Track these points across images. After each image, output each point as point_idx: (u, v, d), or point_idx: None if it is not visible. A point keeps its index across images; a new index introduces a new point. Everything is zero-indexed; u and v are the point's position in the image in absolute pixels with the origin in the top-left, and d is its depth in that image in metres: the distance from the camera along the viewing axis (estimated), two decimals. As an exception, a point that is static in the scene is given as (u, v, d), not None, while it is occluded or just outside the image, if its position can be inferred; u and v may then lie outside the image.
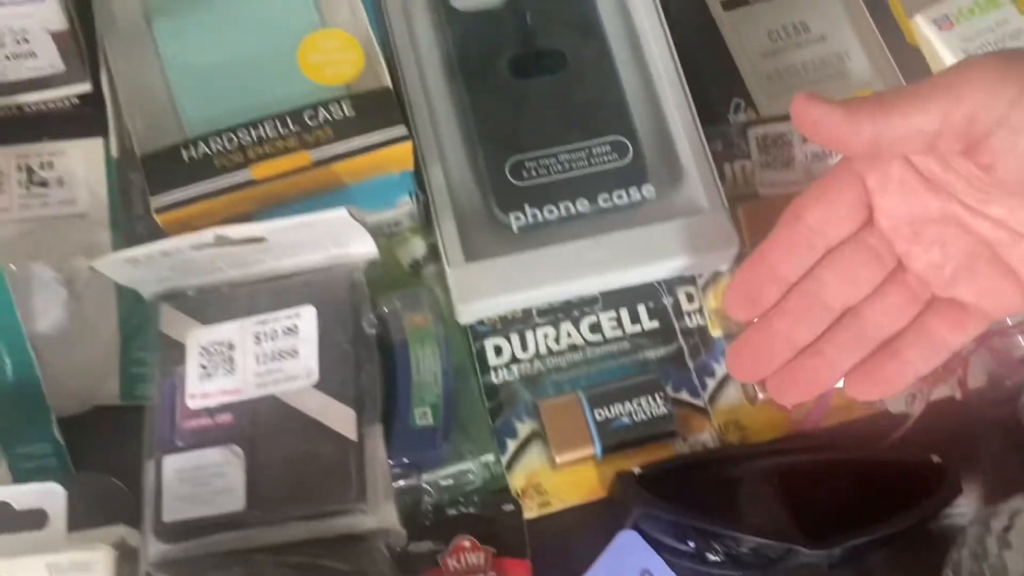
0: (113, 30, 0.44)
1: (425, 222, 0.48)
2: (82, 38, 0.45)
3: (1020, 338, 0.47)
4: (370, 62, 0.45)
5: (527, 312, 0.47)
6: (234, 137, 0.42)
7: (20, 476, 0.42)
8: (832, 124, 0.36)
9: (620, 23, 0.50)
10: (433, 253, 0.47)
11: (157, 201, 0.41)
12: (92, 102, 0.47)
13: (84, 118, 0.47)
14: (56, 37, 0.42)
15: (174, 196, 0.41)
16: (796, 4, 0.54)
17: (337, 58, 0.44)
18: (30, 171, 0.47)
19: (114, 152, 0.45)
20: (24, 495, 0.40)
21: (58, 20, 0.41)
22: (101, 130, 0.47)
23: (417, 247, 0.48)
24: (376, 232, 0.46)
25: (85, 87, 0.46)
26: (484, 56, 0.48)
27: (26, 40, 0.41)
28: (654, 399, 0.46)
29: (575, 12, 0.49)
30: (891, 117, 0.35)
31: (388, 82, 0.44)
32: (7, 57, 0.42)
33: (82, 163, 0.47)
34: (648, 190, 0.46)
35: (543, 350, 0.47)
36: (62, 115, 0.47)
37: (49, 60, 0.43)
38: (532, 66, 0.48)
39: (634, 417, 0.45)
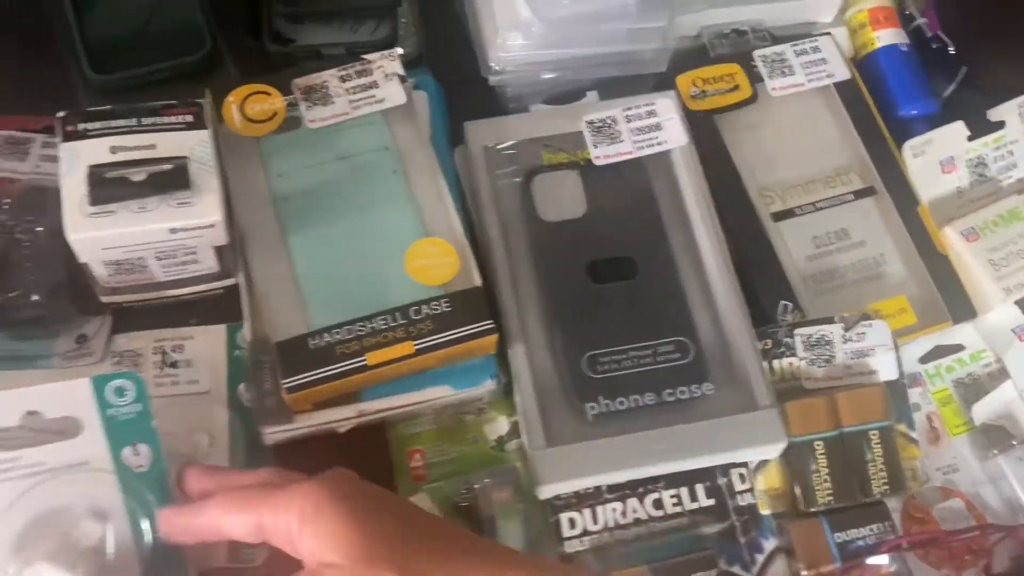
0: (255, 238, 0.52)
1: (507, 400, 0.54)
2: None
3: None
4: (464, 265, 0.52)
5: (598, 488, 0.53)
6: (352, 329, 0.50)
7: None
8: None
9: (681, 234, 0.57)
10: (515, 430, 0.54)
11: (288, 383, 0.49)
12: (228, 293, 0.55)
13: (219, 307, 0.55)
14: (218, 250, 0.50)
15: (302, 379, 0.49)
16: (839, 214, 0.61)
17: (437, 262, 0.52)
18: (163, 353, 0.54)
19: (248, 336, 0.52)
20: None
21: (222, 238, 0.49)
22: (230, 317, 0.55)
23: (501, 425, 0.54)
24: (466, 409, 0.54)
25: (230, 282, 0.54)
26: (566, 261, 0.55)
27: (194, 254, 0.50)
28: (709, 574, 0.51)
29: (645, 225, 0.57)
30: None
31: (479, 282, 0.52)
32: (175, 265, 0.50)
33: (207, 347, 0.54)
34: (707, 387, 0.52)
35: (611, 523, 0.52)
36: (202, 303, 0.55)
37: (207, 265, 0.51)
38: (607, 272, 0.55)
39: (691, 591, 0.50)
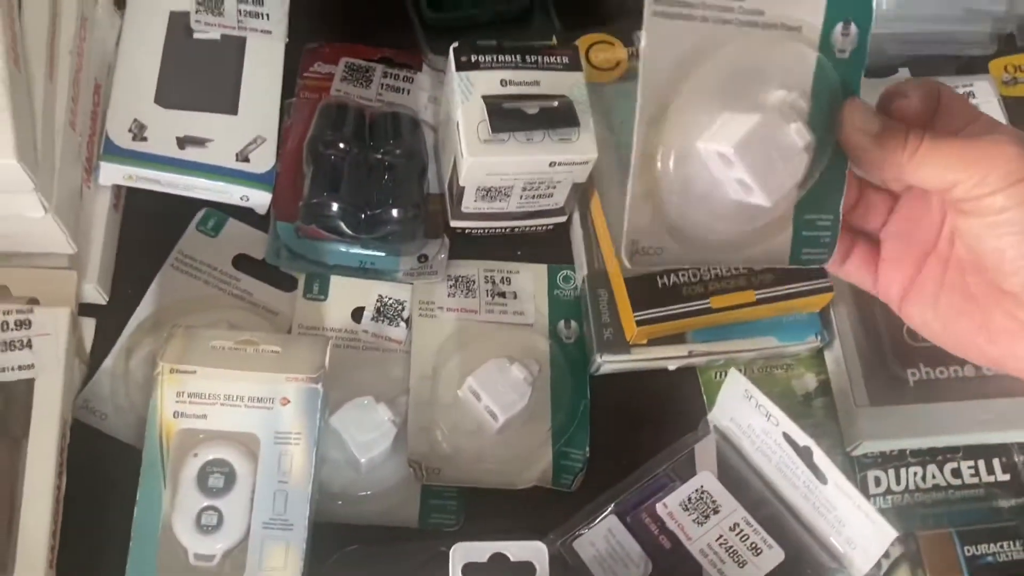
0: (601, 180, 0.55)
1: (816, 358, 0.56)
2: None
3: None
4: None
5: (902, 451, 0.55)
6: (698, 272, 0.52)
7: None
8: (868, 142, 0.39)
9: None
10: (823, 387, 0.56)
11: (638, 316, 0.51)
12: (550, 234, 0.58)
13: (542, 244, 0.58)
14: (574, 187, 0.53)
15: (650, 313, 0.51)
16: None
17: (775, 219, 0.55)
18: (492, 283, 0.58)
19: (585, 270, 0.55)
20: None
21: (585, 175, 0.53)
22: (550, 257, 0.58)
23: (808, 381, 0.56)
24: (775, 362, 0.56)
25: (561, 219, 0.57)
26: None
27: (553, 188, 0.53)
28: (1014, 543, 0.52)
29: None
30: (925, 166, 0.39)
31: (815, 244, 0.54)
32: (532, 197, 0.54)
33: (531, 282, 0.58)
34: (1034, 363, 0.54)
35: (912, 486, 0.54)
36: (525, 239, 0.58)
37: (556, 200, 0.55)
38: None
39: (998, 557, 0.52)
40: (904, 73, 0.63)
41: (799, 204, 0.41)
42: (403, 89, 0.62)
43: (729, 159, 0.38)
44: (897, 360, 0.54)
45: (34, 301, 0.47)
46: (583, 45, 0.59)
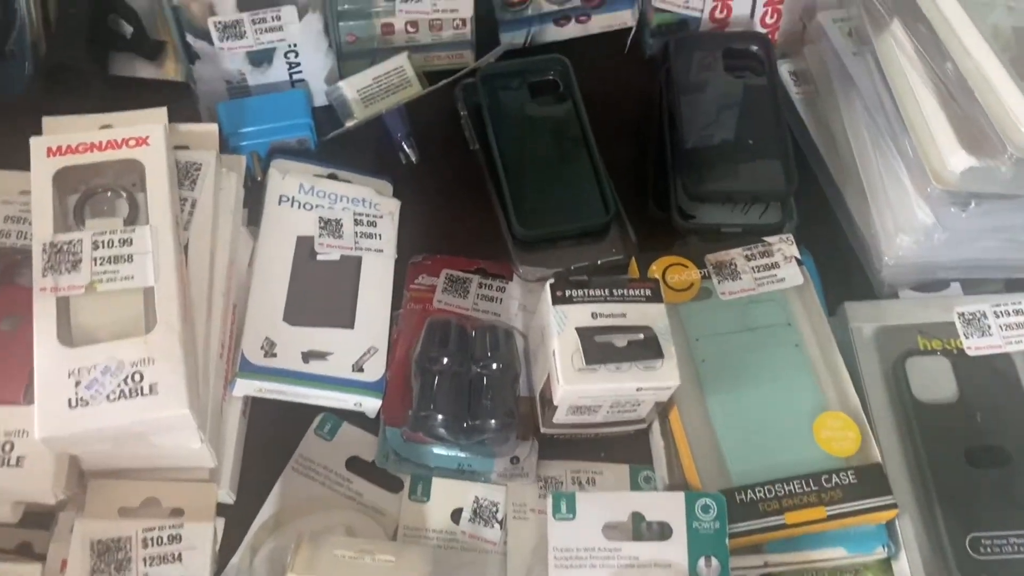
0: (680, 395, 0.60)
1: (881, 564, 0.60)
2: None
3: None
4: (864, 440, 0.59)
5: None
6: (772, 489, 0.57)
7: None
8: None
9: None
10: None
11: (718, 532, 0.56)
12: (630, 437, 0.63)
13: (623, 446, 0.63)
14: (656, 403, 0.59)
15: (730, 528, 0.56)
16: None
17: (841, 435, 0.59)
18: (579, 484, 0.62)
19: (666, 480, 0.60)
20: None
21: (667, 396, 0.59)
22: (631, 458, 0.63)
23: (880, 592, 0.60)
24: (845, 568, 0.60)
25: (642, 426, 0.62)
26: (944, 444, 0.61)
27: (638, 405, 0.59)
28: None
29: (1015, 415, 0.62)
30: None
31: (879, 459, 0.59)
32: (619, 412, 0.59)
33: (614, 482, 0.62)
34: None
35: None
36: (609, 442, 0.63)
37: (639, 414, 0.60)
38: (983, 458, 0.61)
39: None
40: (956, 288, 0.68)
41: None
42: (496, 298, 0.69)
43: None
44: (961, 572, 0.57)
45: (179, 512, 0.53)
46: (659, 267, 0.65)
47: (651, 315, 0.58)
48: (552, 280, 0.59)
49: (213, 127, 0.60)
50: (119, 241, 0.50)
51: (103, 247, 0.50)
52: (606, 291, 0.59)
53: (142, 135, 0.53)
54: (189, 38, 0.67)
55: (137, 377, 0.47)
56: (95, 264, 0.50)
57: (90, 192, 0.53)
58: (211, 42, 0.67)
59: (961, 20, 0.61)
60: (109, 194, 0.54)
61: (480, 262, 0.70)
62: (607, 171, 0.71)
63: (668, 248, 0.68)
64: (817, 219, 0.72)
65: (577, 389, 0.56)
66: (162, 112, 0.57)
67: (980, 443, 0.62)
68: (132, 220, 0.53)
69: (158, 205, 0.52)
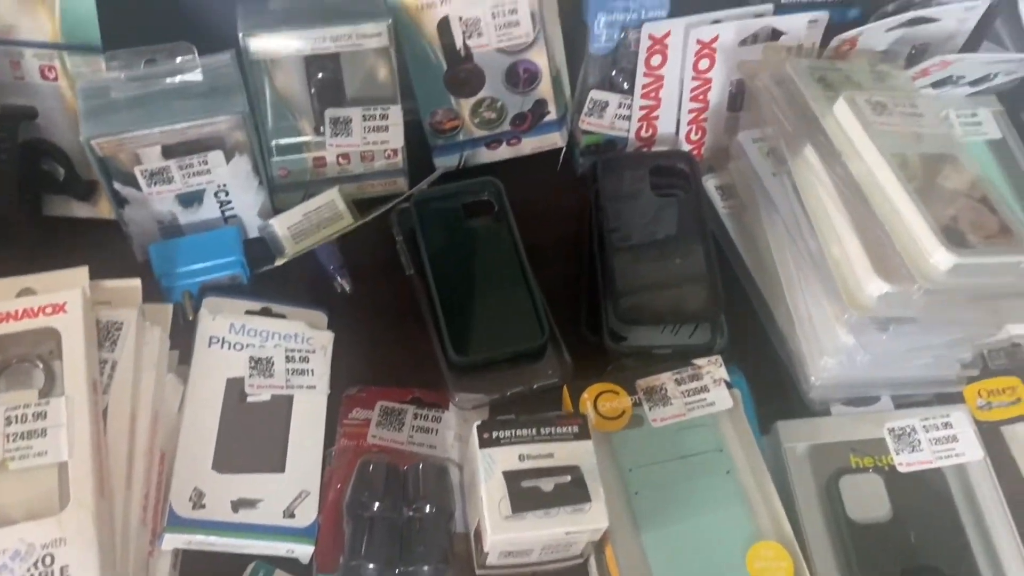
0: (615, 530, 0.59)
1: None
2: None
3: None
4: (798, 570, 0.59)
5: None
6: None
7: None
8: None
9: (982, 545, 0.63)
10: None
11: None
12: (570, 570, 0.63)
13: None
14: (589, 541, 0.59)
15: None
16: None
17: (774, 565, 0.59)
18: None
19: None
20: None
21: (598, 536, 0.58)
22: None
23: None
24: None
25: (579, 562, 0.62)
26: (879, 565, 0.61)
27: (569, 547, 0.58)
28: None
29: (948, 534, 0.63)
30: None
31: (812, 588, 0.59)
32: (551, 552, 0.59)
33: None
34: None
35: None
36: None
37: (573, 552, 0.60)
38: (918, 577, 0.61)
39: None
40: (886, 400, 0.69)
41: None
42: (432, 429, 0.68)
43: None
44: None
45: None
46: (591, 395, 0.65)
47: (579, 454, 0.58)
48: (479, 423, 0.59)
49: (136, 283, 0.60)
50: (32, 415, 0.50)
51: (16, 422, 0.50)
52: (533, 430, 0.59)
53: (59, 302, 0.53)
54: (116, 185, 0.68)
55: (48, 560, 0.46)
56: (7, 441, 0.50)
57: (5, 363, 0.53)
58: (139, 188, 0.68)
59: (868, 148, 0.63)
60: (26, 364, 0.53)
61: (416, 391, 0.70)
62: (542, 292, 0.72)
63: (602, 370, 0.69)
64: (749, 334, 0.73)
65: (505, 538, 0.56)
66: (83, 273, 0.57)
67: (915, 563, 0.62)
68: (48, 390, 0.53)
69: (74, 374, 0.52)
